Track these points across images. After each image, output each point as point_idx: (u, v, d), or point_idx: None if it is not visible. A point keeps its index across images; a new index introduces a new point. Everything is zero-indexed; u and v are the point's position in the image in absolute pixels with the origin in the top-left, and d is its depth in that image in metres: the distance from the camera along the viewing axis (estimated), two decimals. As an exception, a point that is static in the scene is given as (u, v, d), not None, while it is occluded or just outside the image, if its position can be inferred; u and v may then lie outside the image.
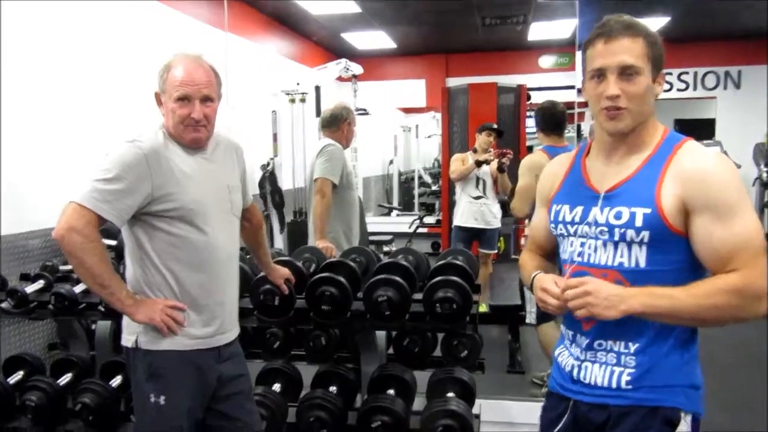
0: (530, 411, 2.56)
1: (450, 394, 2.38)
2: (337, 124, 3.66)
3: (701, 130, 8.90)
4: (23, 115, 3.48)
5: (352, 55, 8.82)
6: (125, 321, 1.87)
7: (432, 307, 2.29)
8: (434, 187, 10.87)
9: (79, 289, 2.83)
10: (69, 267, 3.27)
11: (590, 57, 1.40)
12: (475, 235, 5.04)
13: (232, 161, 2.03)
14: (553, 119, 3.53)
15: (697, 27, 8.13)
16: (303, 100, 6.71)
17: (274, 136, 6.65)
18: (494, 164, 4.80)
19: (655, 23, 7.53)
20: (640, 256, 1.36)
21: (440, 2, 7.01)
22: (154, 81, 1.87)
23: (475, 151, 5.02)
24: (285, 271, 2.39)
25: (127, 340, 1.87)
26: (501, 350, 4.20)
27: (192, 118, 1.81)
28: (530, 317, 3.59)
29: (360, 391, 2.63)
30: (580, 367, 1.47)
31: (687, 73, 9.22)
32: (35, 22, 3.61)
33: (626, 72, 1.34)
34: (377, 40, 8.80)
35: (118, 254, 3.04)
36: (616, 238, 1.38)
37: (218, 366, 1.92)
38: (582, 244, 1.45)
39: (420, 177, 10.94)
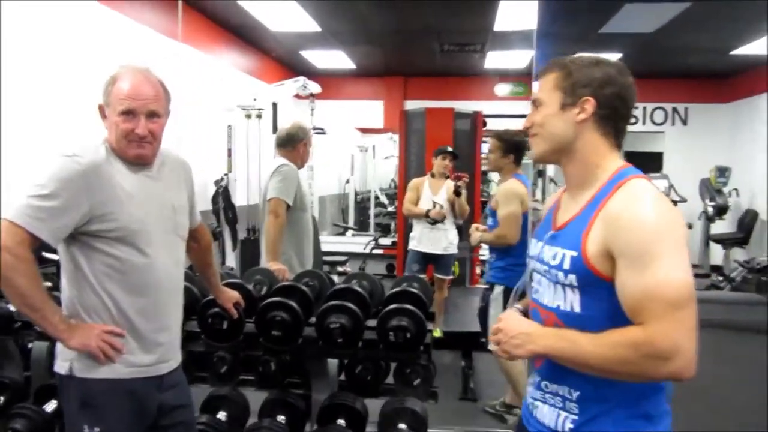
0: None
1: (402, 426, 2.33)
2: (293, 144, 3.61)
3: (650, 162, 9.21)
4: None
5: (311, 73, 8.80)
6: (59, 346, 1.77)
7: (386, 336, 2.26)
8: (390, 208, 10.88)
9: (15, 306, 2.69)
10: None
11: None
12: (430, 260, 5.04)
13: (178, 180, 1.94)
14: (523, 149, 3.64)
15: (647, 65, 8.43)
16: (259, 116, 6.64)
17: (229, 151, 6.55)
18: (450, 188, 4.82)
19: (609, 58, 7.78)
20: (574, 300, 1.33)
21: (399, 25, 7.08)
22: (100, 92, 1.78)
23: (433, 175, 5.05)
24: (234, 294, 2.32)
25: (60, 366, 1.76)
26: (453, 376, 4.18)
27: (136, 133, 1.72)
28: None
29: (309, 420, 2.56)
30: (534, 404, 1.47)
31: (637, 107, 9.52)
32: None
33: (534, 104, 1.45)
34: (336, 59, 8.81)
35: (59, 270, 2.90)
36: (552, 279, 1.38)
37: (159, 395, 1.82)
38: (538, 281, 1.46)
39: (376, 197, 10.93)
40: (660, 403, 1.36)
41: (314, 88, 6.66)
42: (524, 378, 3.64)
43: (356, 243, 8.64)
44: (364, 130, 10.95)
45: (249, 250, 6.27)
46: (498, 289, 3.57)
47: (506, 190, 3.61)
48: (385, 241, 8.55)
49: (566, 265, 1.33)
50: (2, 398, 2.66)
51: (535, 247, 1.49)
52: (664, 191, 6.09)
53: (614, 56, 7.62)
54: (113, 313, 1.74)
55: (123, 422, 1.75)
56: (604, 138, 1.39)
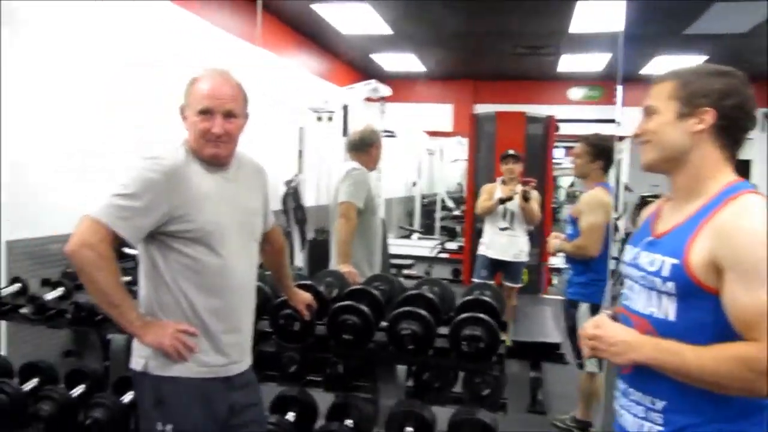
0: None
1: (471, 436, 2.28)
2: (366, 148, 3.65)
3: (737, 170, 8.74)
4: (48, 121, 3.49)
5: (381, 76, 8.84)
6: (135, 343, 1.81)
7: (457, 344, 2.22)
8: (456, 212, 10.80)
9: (94, 301, 2.80)
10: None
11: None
12: (499, 266, 4.95)
13: (254, 184, 1.97)
14: (612, 156, 3.51)
15: (734, 67, 8.02)
16: (330, 119, 6.70)
17: (300, 152, 6.63)
18: (520, 193, 4.72)
19: (693, 61, 7.47)
20: (669, 308, 1.32)
21: (472, 28, 7.01)
22: (182, 94, 1.83)
23: (504, 181, 4.96)
24: (307, 296, 2.33)
25: (136, 362, 1.80)
26: (521, 387, 4.07)
27: (213, 132, 1.74)
28: (592, 366, 3.43)
29: (376, 425, 2.55)
30: (620, 412, 1.46)
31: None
32: (70, 29, 3.64)
33: (647, 112, 1.43)
34: (406, 62, 8.81)
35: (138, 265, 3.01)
36: (648, 285, 1.36)
37: (230, 394, 1.84)
38: (629, 287, 1.45)
39: (442, 201, 10.86)
40: (760, 424, 1.31)
41: (385, 91, 6.67)
42: (599, 396, 3.51)
43: (422, 246, 8.60)
44: (432, 133, 10.91)
45: (317, 251, 6.33)
46: (584, 307, 3.41)
47: (591, 199, 3.45)
48: (452, 245, 8.47)
49: (665, 272, 1.31)
50: (83, 387, 2.77)
51: (629, 252, 1.47)
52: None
53: (699, 59, 7.35)
54: (187, 312, 1.77)
55: (195, 420, 1.78)
56: (720, 150, 1.37)
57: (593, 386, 3.44)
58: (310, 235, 6.63)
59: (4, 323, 3.12)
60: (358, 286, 2.61)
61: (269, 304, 2.46)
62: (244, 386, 1.90)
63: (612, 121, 3.45)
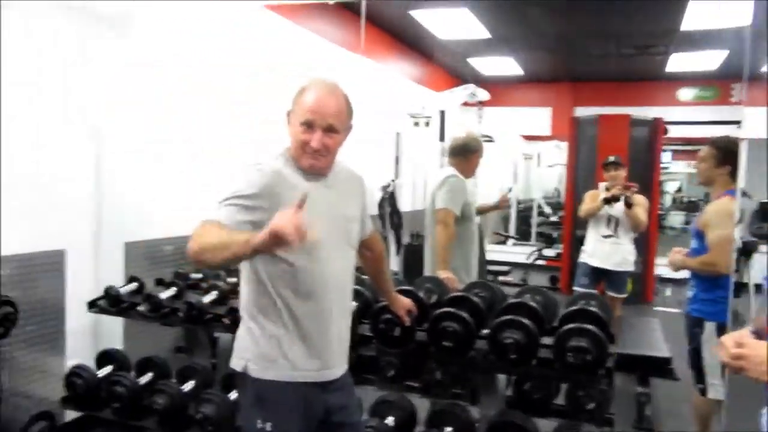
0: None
1: (576, 451, 2.20)
2: (467, 155, 3.64)
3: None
4: (161, 127, 3.68)
5: (478, 80, 8.74)
6: (237, 343, 1.87)
7: (562, 355, 2.14)
8: (553, 218, 10.50)
9: (207, 299, 2.94)
10: (199, 275, 3.42)
11: None
12: (602, 275, 4.75)
13: (352, 191, 1.98)
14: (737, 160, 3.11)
15: None
16: (427, 124, 6.71)
17: (396, 158, 6.68)
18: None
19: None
20: None
21: (572, 29, 6.80)
22: (287, 102, 1.84)
23: (607, 188, 4.76)
24: (407, 302, 2.33)
25: (236, 363, 1.85)
26: (626, 401, 3.89)
27: (311, 146, 1.77)
28: (716, 392, 3.11)
29: (476, 434, 2.51)
30: None
31: None
32: (177, 41, 3.84)
33: None
34: (504, 65, 8.67)
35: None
36: None
37: (325, 396, 1.86)
38: None
39: (539, 206, 10.61)
40: None
41: (483, 95, 6.60)
42: (712, 418, 3.27)
43: (517, 253, 8.43)
44: (529, 138, 10.67)
45: (413, 256, 6.34)
46: (710, 327, 3.11)
47: (720, 209, 3.09)
48: (549, 252, 8.25)
49: None
50: (193, 383, 2.91)
51: None
52: None
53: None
54: (284, 315, 1.80)
55: (292, 420, 1.81)
56: None
57: (712, 409, 3.19)
58: (406, 239, 6.66)
59: (122, 320, 3.32)
60: (459, 293, 2.58)
61: (370, 309, 2.48)
62: (340, 389, 1.92)
63: (732, 122, 3.18)
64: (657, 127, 6.78)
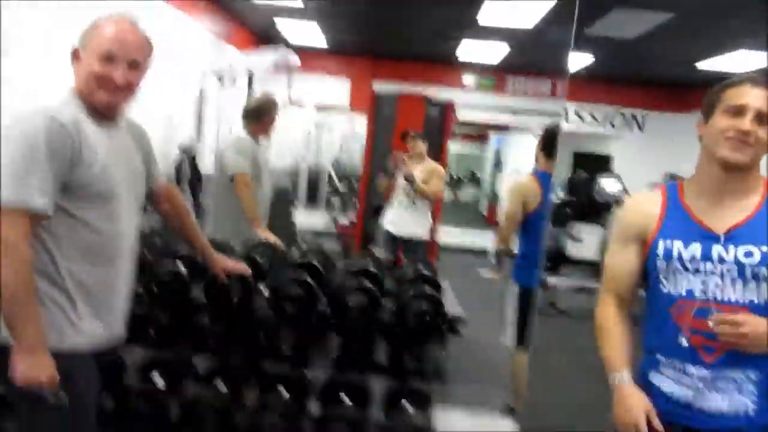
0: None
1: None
2: (259, 117, 3.66)
3: (598, 164, 9.49)
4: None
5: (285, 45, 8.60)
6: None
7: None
8: (341, 189, 10.82)
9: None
10: None
11: (732, 96, 1.50)
12: (401, 241, 5.02)
13: (134, 143, 1.80)
14: (555, 144, 3.52)
15: (613, 69, 8.80)
16: (234, 83, 6.45)
17: (199, 116, 6.35)
18: (426, 169, 4.85)
19: (581, 59, 8.09)
20: (765, 293, 1.48)
21: (378, 9, 7.00)
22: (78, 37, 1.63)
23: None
24: (230, 262, 2.20)
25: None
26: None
27: (113, 80, 1.57)
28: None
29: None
30: (697, 396, 1.54)
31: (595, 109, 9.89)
32: None
33: (760, 117, 1.47)
34: (310, 34, 8.64)
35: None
36: (748, 275, 1.49)
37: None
38: (703, 282, 1.53)
39: (329, 176, 10.86)
40: None
41: (294, 60, 6.51)
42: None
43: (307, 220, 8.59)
44: (324, 107, 10.81)
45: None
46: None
47: (511, 188, 3.64)
48: (344, 220, 8.56)
49: (762, 260, 1.47)
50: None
51: (686, 248, 1.55)
52: (618, 192, 6.17)
53: (587, 57, 7.88)
54: (67, 282, 1.59)
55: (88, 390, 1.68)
56: None
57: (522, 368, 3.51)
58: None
59: None
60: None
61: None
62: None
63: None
64: (448, 109, 7.31)
